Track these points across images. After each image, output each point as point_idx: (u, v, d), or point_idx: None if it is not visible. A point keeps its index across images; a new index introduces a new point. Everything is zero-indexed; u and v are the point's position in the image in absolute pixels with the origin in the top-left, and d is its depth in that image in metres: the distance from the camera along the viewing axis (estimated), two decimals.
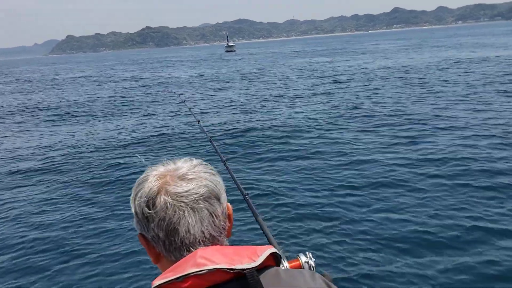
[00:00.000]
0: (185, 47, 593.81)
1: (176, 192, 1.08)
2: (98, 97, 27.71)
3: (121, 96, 27.01)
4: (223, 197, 1.17)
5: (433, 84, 21.26)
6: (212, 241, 1.11)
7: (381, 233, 6.08)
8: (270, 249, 1.07)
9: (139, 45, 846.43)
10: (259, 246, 1.08)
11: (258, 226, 1.97)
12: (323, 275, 1.35)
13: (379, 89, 21.15)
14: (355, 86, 22.99)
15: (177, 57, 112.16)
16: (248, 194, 2.33)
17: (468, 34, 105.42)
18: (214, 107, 19.63)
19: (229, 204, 1.22)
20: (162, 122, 16.45)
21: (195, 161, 1.18)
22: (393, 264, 5.31)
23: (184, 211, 1.07)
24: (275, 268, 1.07)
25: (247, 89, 26.47)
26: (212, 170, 1.18)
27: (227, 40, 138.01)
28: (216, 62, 66.83)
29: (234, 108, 18.82)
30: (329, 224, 6.47)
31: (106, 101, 25.21)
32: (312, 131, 12.98)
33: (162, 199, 1.08)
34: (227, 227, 1.18)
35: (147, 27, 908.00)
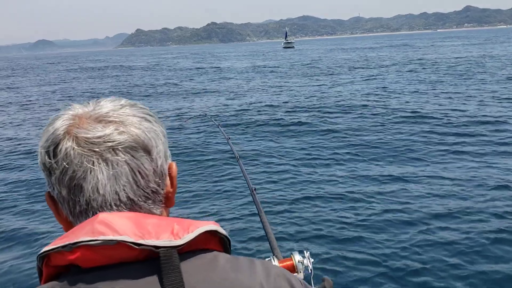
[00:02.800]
0: (248, 43, 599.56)
1: (86, 137, 0.80)
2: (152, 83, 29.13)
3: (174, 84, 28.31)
4: (159, 150, 0.86)
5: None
6: (131, 207, 0.83)
7: (399, 239, 5.70)
8: (208, 226, 0.82)
9: (204, 41, 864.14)
10: (199, 221, 0.83)
11: (260, 224, 1.91)
12: (323, 280, 1.27)
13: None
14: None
15: (235, 51, 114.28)
16: (255, 188, 2.15)
17: None
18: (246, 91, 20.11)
19: (173, 163, 0.94)
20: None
21: (125, 101, 0.89)
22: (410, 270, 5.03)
23: (93, 163, 0.80)
24: (214, 253, 0.83)
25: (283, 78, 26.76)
26: (148, 114, 0.88)
27: (286, 37, 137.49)
28: (268, 56, 67.49)
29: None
30: (342, 230, 6.07)
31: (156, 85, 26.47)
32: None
33: (66, 145, 0.80)
34: (164, 193, 0.90)
35: (212, 23, 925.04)
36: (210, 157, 10.08)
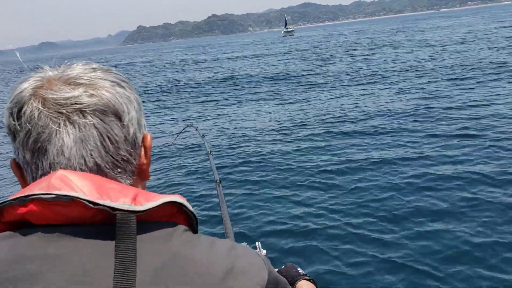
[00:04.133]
0: (250, 33, 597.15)
1: (53, 98, 0.75)
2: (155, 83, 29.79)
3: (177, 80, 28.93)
4: (131, 117, 0.81)
5: None
6: (99, 174, 0.77)
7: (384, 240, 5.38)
8: (174, 197, 0.77)
9: (206, 33, 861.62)
10: (165, 194, 0.78)
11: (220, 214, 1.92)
12: (309, 280, 1.33)
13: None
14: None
15: (235, 42, 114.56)
16: (220, 180, 2.13)
17: None
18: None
19: (148, 134, 0.89)
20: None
21: (96, 65, 0.84)
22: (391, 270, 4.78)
23: (59, 125, 0.75)
24: (176, 227, 0.77)
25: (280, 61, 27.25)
26: (122, 80, 0.83)
27: (285, 25, 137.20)
28: (266, 45, 67.90)
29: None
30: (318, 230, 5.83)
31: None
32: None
33: (31, 106, 0.75)
34: (137, 164, 0.85)
35: (213, 15, 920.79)
36: (184, 154, 10.18)
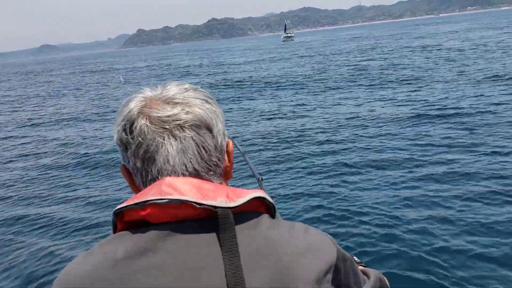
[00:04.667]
0: (250, 37, 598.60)
1: (157, 116, 0.92)
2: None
3: None
4: (219, 129, 0.99)
5: None
6: (196, 177, 0.94)
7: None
8: (258, 192, 0.94)
9: (206, 37, 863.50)
10: (249, 189, 0.95)
11: None
12: (365, 267, 1.35)
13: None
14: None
15: (235, 47, 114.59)
16: (262, 178, 2.24)
17: None
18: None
19: (230, 141, 1.07)
20: None
21: (188, 85, 1.01)
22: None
23: (164, 138, 0.92)
24: (262, 215, 0.95)
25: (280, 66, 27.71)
26: (208, 97, 1.00)
27: (285, 30, 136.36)
28: (264, 50, 68.24)
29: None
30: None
31: None
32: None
33: (140, 123, 0.92)
34: (224, 167, 1.03)
35: (213, 19, 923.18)
36: None
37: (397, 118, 12.24)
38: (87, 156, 11.50)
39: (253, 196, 0.92)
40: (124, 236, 0.87)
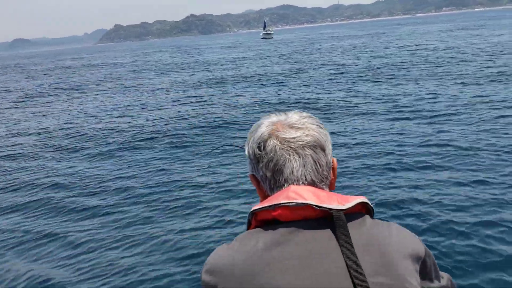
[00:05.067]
0: (229, 34, 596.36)
1: (284, 137, 1.20)
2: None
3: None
4: (328, 149, 1.24)
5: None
6: (312, 186, 1.19)
7: None
8: (361, 198, 1.17)
9: (184, 33, 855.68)
10: (353, 196, 1.18)
11: None
12: None
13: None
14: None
15: (214, 44, 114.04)
16: None
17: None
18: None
19: (334, 158, 1.30)
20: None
21: (304, 114, 1.28)
22: None
23: (290, 155, 1.19)
24: (365, 216, 1.17)
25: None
26: (320, 123, 1.26)
27: (264, 27, 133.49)
28: (242, 48, 68.13)
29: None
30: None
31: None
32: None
33: (271, 142, 1.20)
34: (330, 179, 1.26)
35: (192, 15, 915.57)
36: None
37: (373, 113, 12.74)
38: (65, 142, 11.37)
39: (358, 201, 1.15)
40: (259, 232, 1.13)
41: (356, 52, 37.58)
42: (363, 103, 14.74)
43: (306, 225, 1.11)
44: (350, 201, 1.14)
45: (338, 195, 1.16)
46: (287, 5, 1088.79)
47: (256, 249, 1.09)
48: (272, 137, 1.21)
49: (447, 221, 5.73)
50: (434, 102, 13.46)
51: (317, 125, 1.25)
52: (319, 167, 1.21)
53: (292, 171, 1.19)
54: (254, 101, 16.31)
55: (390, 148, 9.16)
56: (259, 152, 1.22)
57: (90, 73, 42.59)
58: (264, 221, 1.15)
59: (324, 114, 13.53)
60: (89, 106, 19.73)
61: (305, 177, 1.20)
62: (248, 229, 1.20)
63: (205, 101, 18.36)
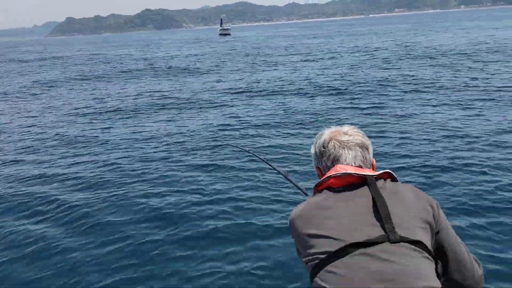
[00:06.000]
0: (185, 30, 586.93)
1: (340, 139, 1.81)
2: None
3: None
4: (370, 152, 1.83)
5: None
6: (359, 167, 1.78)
7: None
8: (387, 170, 1.74)
9: (139, 27, 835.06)
10: (381, 170, 1.77)
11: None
12: None
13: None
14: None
15: (173, 40, 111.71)
16: (288, 173, 2.95)
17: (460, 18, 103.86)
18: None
19: (374, 159, 1.88)
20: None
21: (353, 126, 1.88)
22: None
23: (344, 150, 1.79)
24: (388, 180, 1.74)
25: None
26: (364, 134, 1.87)
27: (221, 24, 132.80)
28: (199, 44, 67.67)
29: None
30: None
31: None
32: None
33: (332, 143, 1.81)
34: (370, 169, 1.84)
35: (147, 10, 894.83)
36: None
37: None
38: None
39: (384, 171, 1.74)
40: (321, 194, 1.73)
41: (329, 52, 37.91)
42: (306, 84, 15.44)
43: (350, 187, 1.68)
44: (378, 172, 1.73)
45: (371, 170, 1.79)
46: (244, 2, 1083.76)
47: (315, 201, 1.70)
48: (332, 140, 1.82)
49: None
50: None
51: (362, 134, 1.86)
52: (365, 159, 1.80)
53: (346, 160, 1.78)
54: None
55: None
56: (323, 149, 1.84)
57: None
58: (322, 188, 1.76)
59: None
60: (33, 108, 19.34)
61: (354, 163, 1.78)
62: (313, 194, 1.81)
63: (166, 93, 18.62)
